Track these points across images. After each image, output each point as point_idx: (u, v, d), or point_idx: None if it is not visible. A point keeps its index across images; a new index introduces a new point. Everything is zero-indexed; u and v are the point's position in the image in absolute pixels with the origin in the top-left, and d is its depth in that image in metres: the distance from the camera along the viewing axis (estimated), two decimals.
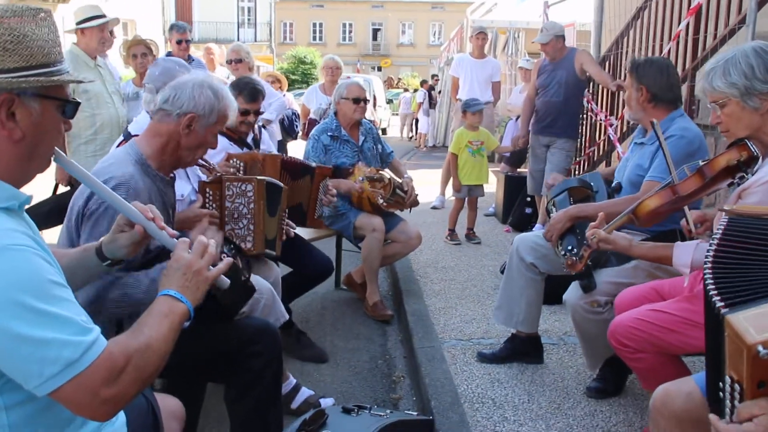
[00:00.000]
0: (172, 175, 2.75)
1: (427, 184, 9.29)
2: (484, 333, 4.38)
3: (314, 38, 57.07)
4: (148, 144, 2.60)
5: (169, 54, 7.14)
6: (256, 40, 38.69)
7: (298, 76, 41.40)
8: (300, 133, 7.69)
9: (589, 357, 3.51)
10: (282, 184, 3.62)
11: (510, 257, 3.79)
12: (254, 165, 3.99)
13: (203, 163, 3.46)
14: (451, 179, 6.98)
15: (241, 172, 3.90)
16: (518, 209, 7.35)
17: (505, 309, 3.84)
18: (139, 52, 5.89)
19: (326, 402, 3.53)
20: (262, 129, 4.77)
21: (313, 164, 4.41)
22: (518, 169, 8.02)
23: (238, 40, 35.57)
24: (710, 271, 1.62)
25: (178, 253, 1.85)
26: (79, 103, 1.71)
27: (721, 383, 1.54)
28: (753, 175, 2.44)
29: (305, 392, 3.54)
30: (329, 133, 5.02)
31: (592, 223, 2.86)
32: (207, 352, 2.61)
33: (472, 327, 4.49)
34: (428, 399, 3.54)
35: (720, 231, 1.73)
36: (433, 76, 18.91)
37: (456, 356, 4.02)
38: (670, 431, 2.05)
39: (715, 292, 1.55)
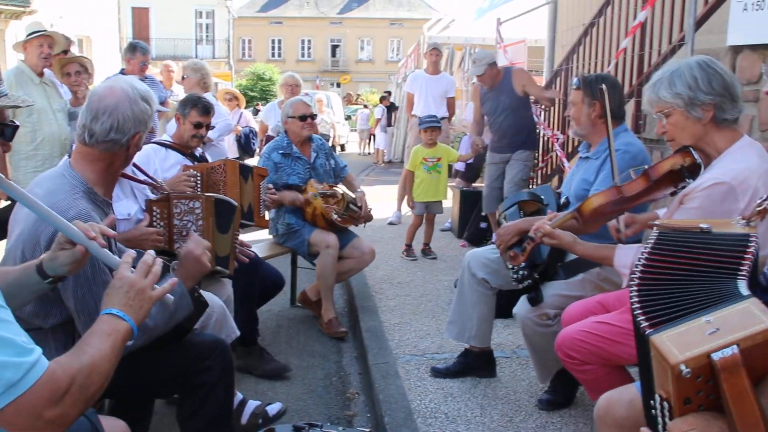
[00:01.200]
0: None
1: (384, 199, 9.34)
2: (438, 348, 4.39)
3: (273, 55, 57.02)
4: (91, 170, 2.44)
5: (122, 71, 7.07)
6: (214, 57, 38.53)
7: (257, 93, 41.31)
8: (257, 150, 7.67)
9: (540, 369, 3.54)
10: (235, 203, 3.60)
11: (462, 273, 3.82)
12: (213, 171, 3.99)
13: (150, 181, 3.43)
14: (406, 196, 7.00)
15: (198, 182, 3.91)
16: (474, 224, 7.40)
17: (458, 324, 3.86)
18: (73, 70, 5.65)
19: (273, 409, 3.51)
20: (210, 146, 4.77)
21: (250, 165, 4.44)
22: (473, 184, 8.08)
23: (196, 56, 35.45)
24: (636, 290, 1.64)
25: (120, 272, 1.84)
26: (17, 126, 1.68)
27: (652, 401, 1.56)
28: (696, 180, 2.51)
29: (252, 404, 3.50)
30: (280, 151, 5.01)
31: (539, 221, 2.91)
32: (159, 368, 2.58)
33: (427, 342, 4.50)
34: (382, 415, 3.54)
35: (649, 245, 1.77)
36: (386, 92, 18.99)
37: (410, 372, 4.02)
38: None
39: (641, 311, 1.57)
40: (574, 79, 3.59)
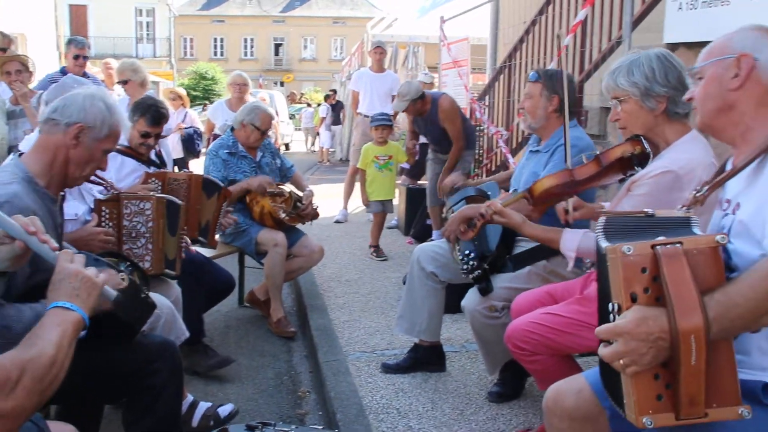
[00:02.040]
0: (62, 193, 2.66)
1: (330, 197, 9.33)
2: (388, 344, 4.42)
3: (215, 54, 56.30)
4: (35, 160, 2.49)
5: (63, 69, 6.92)
6: (155, 56, 37.93)
7: (200, 92, 40.73)
8: (204, 150, 7.58)
9: (489, 362, 3.59)
10: (180, 202, 3.56)
11: (411, 267, 3.85)
12: (179, 186, 3.93)
13: (99, 180, 3.37)
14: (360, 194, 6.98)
15: (159, 191, 3.84)
16: (420, 221, 7.45)
17: (408, 319, 3.88)
18: (14, 68, 5.51)
19: (224, 410, 3.48)
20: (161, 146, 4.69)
21: (220, 183, 4.38)
22: (419, 181, 8.13)
23: (137, 55, 34.83)
24: (601, 228, 1.76)
25: (61, 264, 1.81)
26: None
27: (610, 315, 1.61)
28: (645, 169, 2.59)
29: (203, 406, 3.47)
30: (226, 150, 4.97)
31: (489, 201, 2.96)
32: (107, 371, 2.53)
33: (376, 339, 4.52)
34: (334, 412, 3.54)
35: (600, 227, 1.83)
36: (331, 90, 18.96)
37: (360, 368, 4.04)
38: (562, 428, 2.10)
39: (603, 237, 1.70)
40: (532, 73, 3.61)
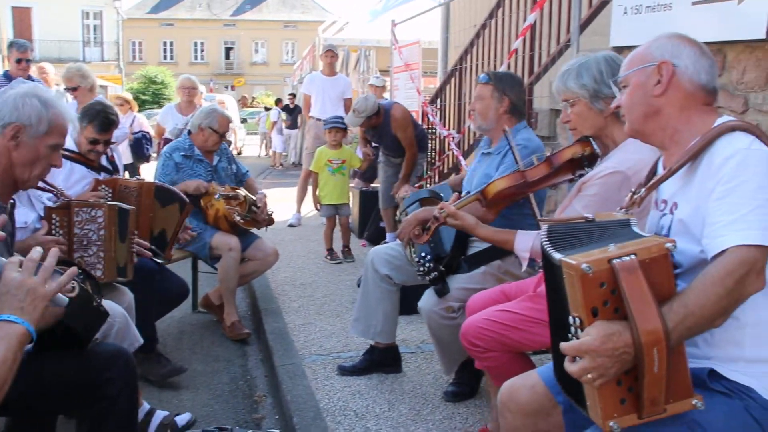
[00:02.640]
0: (12, 200, 2.61)
1: (283, 201, 9.31)
2: (344, 347, 4.42)
3: (165, 57, 55.61)
4: None
5: (6, 73, 6.78)
6: (103, 60, 37.26)
7: (149, 97, 40.19)
8: (154, 155, 7.49)
9: (445, 362, 3.62)
10: (130, 207, 3.51)
11: (365, 270, 3.87)
12: (129, 194, 3.87)
13: (49, 187, 3.31)
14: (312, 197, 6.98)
15: (110, 199, 3.76)
16: (373, 223, 7.47)
17: (363, 321, 3.90)
18: None
19: (182, 419, 3.45)
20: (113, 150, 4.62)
21: (185, 198, 4.33)
22: (372, 184, 8.16)
23: (84, 59, 34.16)
24: (546, 237, 1.79)
25: (7, 274, 1.77)
26: None
27: (571, 327, 1.65)
28: (594, 169, 2.65)
29: (159, 414, 3.43)
30: (182, 153, 4.93)
31: (444, 202, 2.99)
32: (59, 382, 2.48)
33: (332, 341, 4.53)
34: (290, 416, 3.54)
35: (545, 234, 1.87)
36: (291, 94, 18.86)
37: (317, 371, 4.04)
38: (517, 424, 2.14)
39: (550, 246, 1.73)
40: (482, 75, 3.64)
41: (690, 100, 1.91)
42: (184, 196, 4.32)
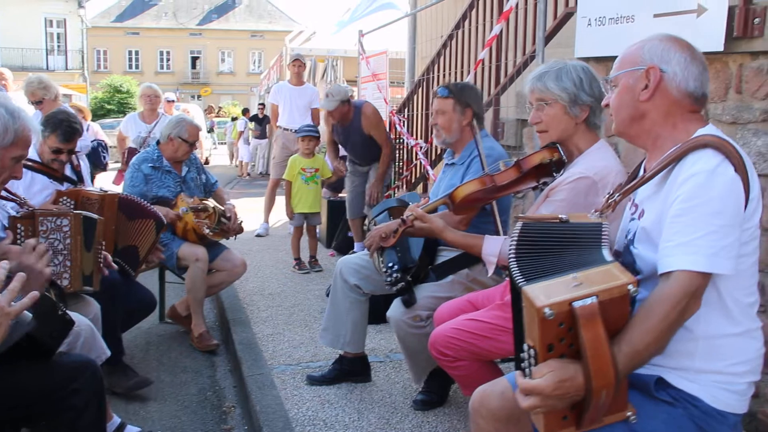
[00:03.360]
0: None
1: (250, 211, 9.26)
2: (313, 356, 4.42)
3: (130, 66, 55.09)
4: None
5: None
6: (67, 68, 36.75)
7: (114, 106, 39.74)
8: (117, 164, 7.42)
9: (414, 370, 3.64)
10: (96, 216, 3.48)
11: (334, 280, 3.87)
12: (90, 205, 3.83)
13: (12, 197, 3.27)
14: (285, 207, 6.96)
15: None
16: (341, 233, 7.48)
17: (332, 331, 3.90)
18: None
19: None
20: (80, 160, 4.58)
21: (164, 218, 4.31)
22: (339, 194, 8.17)
23: (48, 68, 33.70)
24: (513, 257, 1.80)
25: None
26: None
27: (523, 353, 1.71)
28: (560, 176, 2.68)
29: (131, 430, 3.40)
30: (150, 164, 4.89)
31: (411, 205, 3.00)
32: (24, 393, 2.45)
33: (301, 351, 4.52)
34: (260, 426, 3.52)
35: (516, 234, 1.91)
36: (260, 104, 18.77)
37: (286, 381, 4.03)
38: (488, 429, 2.17)
39: (517, 271, 1.73)
40: (440, 89, 3.63)
41: (675, 107, 1.93)
42: (161, 216, 4.29)
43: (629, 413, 1.73)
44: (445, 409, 3.64)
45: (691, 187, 1.75)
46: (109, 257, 3.61)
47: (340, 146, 7.03)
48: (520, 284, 1.66)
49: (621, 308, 1.64)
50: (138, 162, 4.92)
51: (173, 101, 9.35)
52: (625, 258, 1.98)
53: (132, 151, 6.84)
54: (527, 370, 1.69)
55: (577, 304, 1.57)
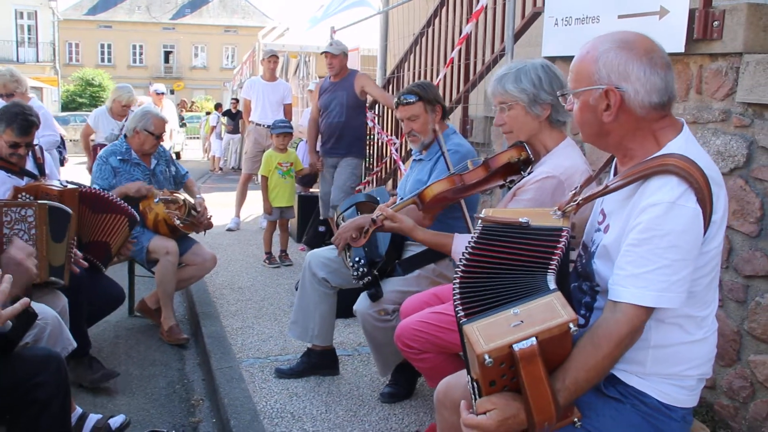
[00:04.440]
0: None
1: (222, 206, 9.26)
2: (282, 350, 4.44)
3: (102, 60, 54.40)
4: None
5: None
6: (38, 61, 36.32)
7: (86, 99, 39.31)
8: (65, 159, 7.29)
9: (381, 363, 3.68)
10: (69, 210, 3.48)
11: (303, 273, 3.90)
12: (49, 199, 3.79)
13: None
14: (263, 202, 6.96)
15: None
16: (312, 228, 7.49)
17: (300, 324, 3.93)
18: None
19: (116, 421, 3.41)
20: (44, 152, 4.54)
21: (136, 215, 4.31)
22: (311, 189, 8.19)
23: (18, 60, 33.28)
24: (458, 281, 1.81)
25: None
26: None
27: (468, 382, 1.77)
28: (528, 175, 2.72)
29: (93, 418, 3.38)
30: (118, 157, 4.88)
31: (381, 205, 3.03)
32: None
33: (270, 344, 4.54)
34: (228, 419, 3.54)
35: (474, 238, 1.94)
36: (234, 99, 18.66)
37: (254, 374, 4.05)
38: (453, 420, 2.18)
39: (459, 301, 1.75)
40: (406, 95, 3.62)
41: (642, 122, 1.85)
42: (134, 212, 4.29)
43: (575, 419, 1.77)
44: (412, 402, 3.69)
45: (650, 218, 1.73)
46: (79, 254, 3.61)
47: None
48: (462, 322, 1.69)
49: (561, 344, 1.68)
50: (105, 155, 4.90)
51: (163, 93, 9.22)
52: (587, 266, 2.00)
53: (103, 147, 6.79)
54: (472, 398, 1.75)
55: (516, 347, 1.59)
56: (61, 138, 7.18)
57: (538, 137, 2.75)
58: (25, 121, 3.88)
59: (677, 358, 1.86)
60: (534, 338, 1.59)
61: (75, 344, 3.26)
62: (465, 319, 1.68)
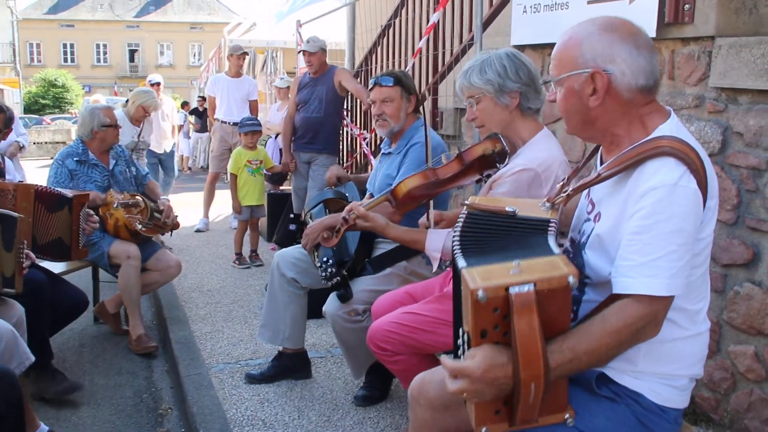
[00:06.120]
0: None
1: (189, 206, 9.11)
2: (253, 353, 4.32)
3: (65, 60, 53.65)
4: None
5: None
6: None
7: (49, 101, 38.67)
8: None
9: (353, 366, 3.57)
10: (16, 214, 3.32)
11: (271, 274, 3.78)
12: (3, 196, 3.64)
13: None
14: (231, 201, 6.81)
15: None
16: (282, 226, 7.35)
17: (271, 327, 3.81)
18: None
19: None
20: (5, 158, 4.37)
21: (70, 194, 4.12)
22: (281, 187, 8.05)
23: None
24: (458, 241, 1.73)
25: None
26: None
27: (459, 339, 1.66)
28: (503, 167, 2.63)
29: None
30: (75, 158, 4.71)
31: (353, 203, 2.92)
32: None
33: (240, 349, 4.41)
34: (196, 428, 3.43)
35: (459, 224, 1.84)
36: (201, 97, 18.42)
37: (224, 380, 3.93)
38: (426, 417, 2.12)
39: (460, 254, 1.66)
40: (384, 77, 3.58)
41: (628, 106, 1.79)
42: (68, 195, 4.12)
43: (567, 416, 1.68)
44: (387, 404, 3.59)
45: (652, 202, 1.65)
46: (32, 255, 3.45)
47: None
48: (461, 267, 1.60)
49: (560, 300, 1.58)
50: (62, 157, 4.73)
51: (159, 83, 8.96)
52: (576, 260, 1.91)
53: None
54: (461, 355, 1.64)
55: (513, 290, 1.50)
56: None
57: (513, 128, 2.67)
58: None
59: (669, 356, 1.79)
60: (532, 284, 1.51)
61: (33, 358, 3.11)
62: (465, 264, 1.60)
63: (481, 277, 1.54)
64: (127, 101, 6.93)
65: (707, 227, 1.74)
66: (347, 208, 2.93)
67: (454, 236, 1.79)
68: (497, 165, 2.68)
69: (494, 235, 1.78)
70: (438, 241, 2.73)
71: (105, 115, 4.80)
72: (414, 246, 2.90)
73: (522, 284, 1.51)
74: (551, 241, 1.68)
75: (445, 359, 1.66)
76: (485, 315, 1.54)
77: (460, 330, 1.65)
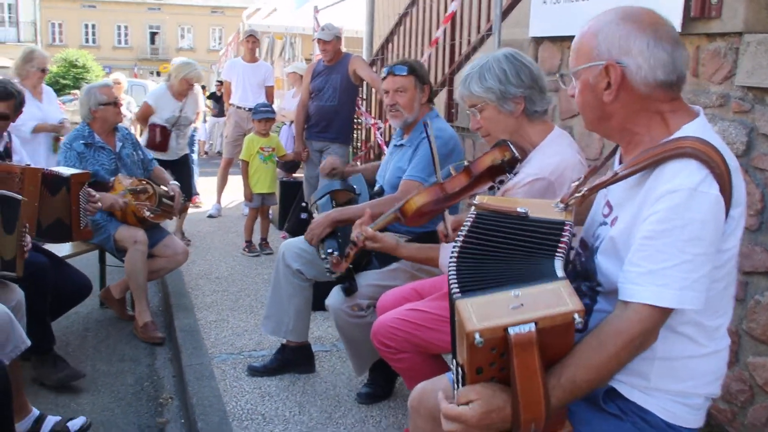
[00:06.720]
0: None
1: (206, 192, 9.05)
2: (257, 344, 4.25)
3: (87, 40, 53.67)
4: None
5: None
6: (19, 41, 35.82)
7: (70, 81, 38.69)
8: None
9: (356, 362, 3.49)
10: (19, 196, 3.25)
11: (276, 264, 3.70)
12: (10, 179, 3.57)
13: None
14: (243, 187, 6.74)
15: None
16: (294, 215, 7.28)
17: (274, 318, 3.73)
18: None
19: (75, 424, 3.22)
20: (12, 136, 4.30)
21: (66, 173, 4.04)
22: (293, 175, 7.96)
23: None
24: (454, 260, 1.63)
25: None
26: None
27: (453, 368, 1.58)
28: (514, 176, 2.50)
29: (51, 420, 3.19)
30: (82, 141, 4.64)
31: (359, 220, 2.83)
32: None
33: (244, 339, 4.34)
34: (195, 420, 3.36)
35: (467, 225, 1.74)
36: (218, 81, 18.35)
37: (226, 371, 3.86)
38: (426, 429, 2.04)
39: (455, 278, 1.56)
40: (398, 66, 3.49)
41: (646, 101, 1.68)
42: (64, 174, 4.03)
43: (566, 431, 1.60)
44: (390, 403, 3.51)
45: (668, 206, 1.54)
46: (28, 239, 3.39)
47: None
48: (455, 297, 1.50)
49: (562, 337, 1.48)
50: (69, 140, 4.67)
51: (120, 82, 8.89)
52: (588, 265, 1.81)
53: (163, 130, 6.45)
54: (455, 390, 1.56)
55: (512, 331, 1.40)
56: None
57: (521, 134, 2.53)
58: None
59: (685, 373, 1.68)
60: (533, 324, 1.41)
61: (29, 342, 3.05)
62: (459, 294, 1.50)
63: (478, 316, 1.44)
64: (169, 76, 6.81)
65: (731, 238, 1.62)
66: (357, 227, 2.81)
67: (455, 244, 1.68)
68: (507, 174, 2.57)
69: (498, 247, 1.66)
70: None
71: (102, 93, 4.72)
72: (428, 263, 2.82)
73: (522, 324, 1.41)
74: (557, 263, 1.56)
75: (442, 401, 1.59)
76: (481, 355, 1.46)
77: (453, 362, 1.57)
